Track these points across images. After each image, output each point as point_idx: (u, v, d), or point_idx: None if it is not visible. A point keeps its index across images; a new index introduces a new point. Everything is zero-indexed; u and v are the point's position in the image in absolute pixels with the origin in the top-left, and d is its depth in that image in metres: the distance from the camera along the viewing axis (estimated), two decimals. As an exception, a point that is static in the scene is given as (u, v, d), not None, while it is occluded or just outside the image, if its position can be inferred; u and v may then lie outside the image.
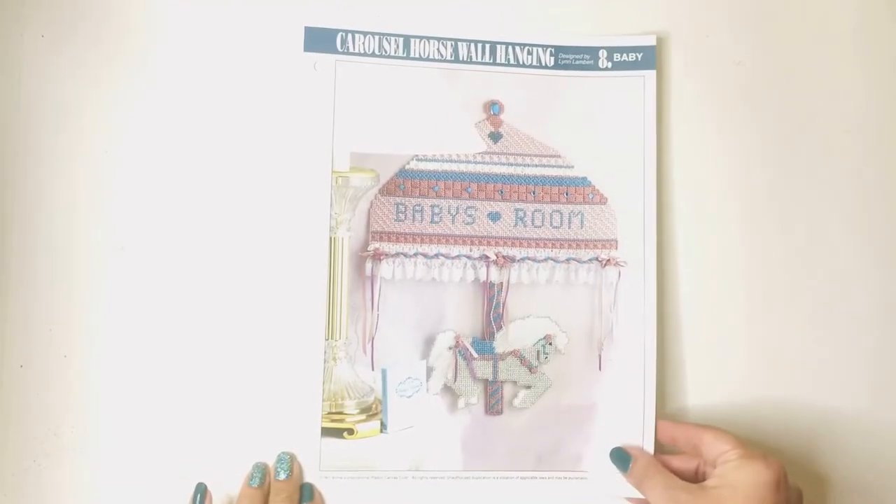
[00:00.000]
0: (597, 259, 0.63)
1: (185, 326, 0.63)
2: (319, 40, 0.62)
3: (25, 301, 0.63)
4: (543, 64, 0.63)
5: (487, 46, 0.63)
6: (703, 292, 0.65)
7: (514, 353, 0.63)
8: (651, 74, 0.64)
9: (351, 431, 0.61)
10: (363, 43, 0.62)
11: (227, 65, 0.63)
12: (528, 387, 0.63)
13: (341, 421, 0.61)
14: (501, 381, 0.63)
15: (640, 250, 0.63)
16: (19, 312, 0.63)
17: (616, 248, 0.63)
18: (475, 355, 0.63)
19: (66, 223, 0.63)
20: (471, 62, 0.63)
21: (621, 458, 0.61)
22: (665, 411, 0.64)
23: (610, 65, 0.64)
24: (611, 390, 0.63)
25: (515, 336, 0.63)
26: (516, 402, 0.63)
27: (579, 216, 0.64)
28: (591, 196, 0.64)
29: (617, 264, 0.63)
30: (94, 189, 0.63)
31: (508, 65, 0.63)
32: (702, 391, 0.65)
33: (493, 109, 0.63)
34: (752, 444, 0.58)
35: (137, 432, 0.63)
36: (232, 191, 0.63)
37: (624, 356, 0.63)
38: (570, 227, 0.64)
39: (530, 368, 0.63)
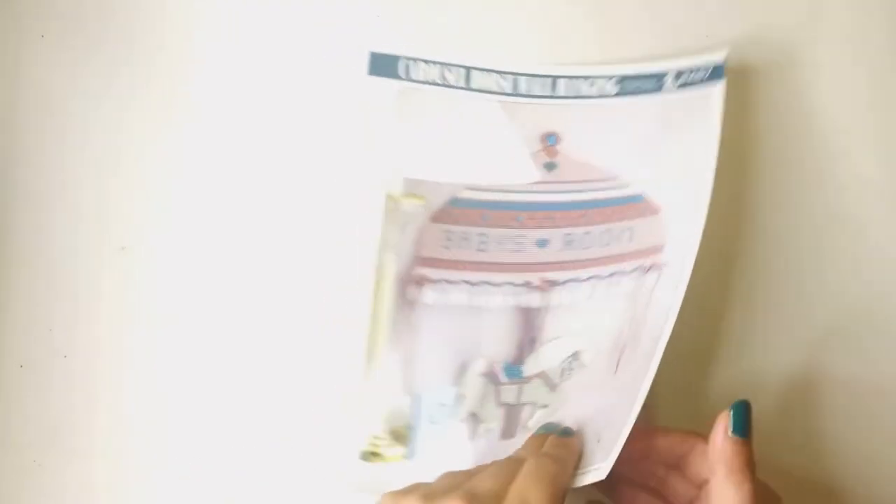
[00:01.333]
0: (640, 267, 0.61)
1: (193, 331, 0.62)
2: (383, 66, 0.59)
3: (25, 301, 0.61)
4: (605, 93, 0.61)
5: (549, 80, 0.61)
6: (726, 288, 0.63)
7: (540, 374, 0.62)
8: (720, 84, 0.59)
9: (377, 454, 0.61)
10: (426, 71, 0.60)
11: (265, 76, 0.61)
12: (545, 406, 0.62)
13: (369, 444, 0.60)
14: (523, 404, 0.62)
15: (682, 249, 0.58)
16: (19, 312, 0.61)
17: (661, 252, 0.60)
18: (503, 380, 0.62)
19: (67, 223, 0.61)
20: (530, 95, 0.61)
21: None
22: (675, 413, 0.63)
23: (677, 85, 0.60)
24: (616, 393, 0.59)
25: (545, 357, 0.62)
26: (531, 423, 0.62)
27: (629, 231, 0.61)
28: (643, 210, 0.61)
29: (659, 267, 0.60)
30: (96, 190, 0.61)
31: (568, 97, 0.61)
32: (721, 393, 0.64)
33: (549, 140, 0.61)
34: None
35: (138, 433, 0.62)
36: (276, 205, 0.61)
37: (639, 356, 0.59)
38: (618, 243, 0.61)
39: (552, 388, 0.62)
